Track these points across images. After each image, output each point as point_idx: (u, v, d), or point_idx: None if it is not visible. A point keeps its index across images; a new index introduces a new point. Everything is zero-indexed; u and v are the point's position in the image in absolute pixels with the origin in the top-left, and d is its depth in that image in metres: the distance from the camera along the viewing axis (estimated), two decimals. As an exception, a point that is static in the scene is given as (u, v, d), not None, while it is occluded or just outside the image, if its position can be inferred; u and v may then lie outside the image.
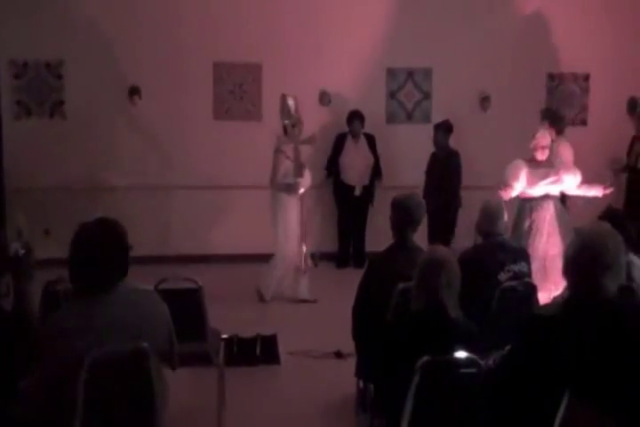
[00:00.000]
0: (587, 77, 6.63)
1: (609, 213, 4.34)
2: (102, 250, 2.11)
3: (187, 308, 3.02)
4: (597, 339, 1.92)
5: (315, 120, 6.30)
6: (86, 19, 5.90)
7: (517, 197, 4.89)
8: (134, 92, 6.06)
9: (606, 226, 2.12)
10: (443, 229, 5.85)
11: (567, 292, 2.06)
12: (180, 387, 2.82)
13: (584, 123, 6.68)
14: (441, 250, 2.59)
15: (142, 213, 5.98)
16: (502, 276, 3.31)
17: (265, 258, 6.10)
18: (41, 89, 5.98)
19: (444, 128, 5.86)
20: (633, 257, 3.29)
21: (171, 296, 2.48)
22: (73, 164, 5.98)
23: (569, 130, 6.51)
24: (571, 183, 4.78)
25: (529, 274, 3.52)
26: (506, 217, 3.59)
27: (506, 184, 4.72)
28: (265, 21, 6.11)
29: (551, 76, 6.59)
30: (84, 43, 5.91)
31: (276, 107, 6.10)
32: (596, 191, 4.98)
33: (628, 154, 6.04)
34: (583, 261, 1.97)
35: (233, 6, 6.10)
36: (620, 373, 1.89)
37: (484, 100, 6.46)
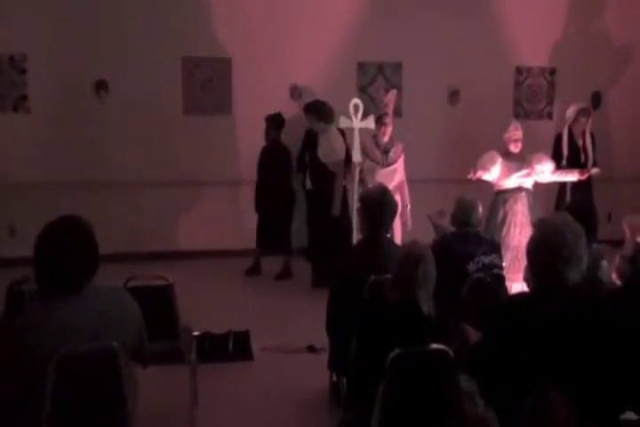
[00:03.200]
0: (553, 71, 6.74)
1: (574, 205, 4.44)
2: (70, 249, 2.07)
3: (158, 305, 2.99)
4: (561, 327, 1.97)
5: (285, 114, 6.30)
6: (51, 11, 5.76)
7: (491, 189, 4.98)
8: (101, 86, 5.95)
9: (566, 217, 2.16)
10: (277, 228, 5.64)
11: (531, 283, 2.10)
12: (153, 385, 2.80)
13: (550, 116, 6.80)
14: (419, 244, 2.60)
15: (110, 209, 5.89)
16: (471, 266, 3.35)
17: (236, 254, 6.09)
18: (4, 83, 5.83)
19: (277, 122, 5.71)
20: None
21: (141, 294, 2.45)
22: (37, 160, 5.85)
23: (536, 123, 6.65)
24: (545, 172, 4.88)
25: (500, 266, 3.57)
26: (480, 210, 3.64)
27: (481, 167, 4.79)
28: (234, 15, 6.05)
29: (519, 70, 6.68)
30: (49, 36, 5.78)
31: (247, 101, 6.10)
32: (572, 176, 5.10)
33: (572, 148, 5.57)
34: (543, 254, 2.01)
35: (201, -1, 6.04)
36: (584, 359, 1.93)
37: (454, 94, 6.51)
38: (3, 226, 5.80)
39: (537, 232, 2.11)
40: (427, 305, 2.48)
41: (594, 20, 6.67)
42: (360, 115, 5.15)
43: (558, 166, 5.29)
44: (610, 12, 6.69)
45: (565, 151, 5.54)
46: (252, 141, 5.89)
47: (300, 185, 5.82)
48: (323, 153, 5.29)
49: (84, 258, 2.10)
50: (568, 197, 5.46)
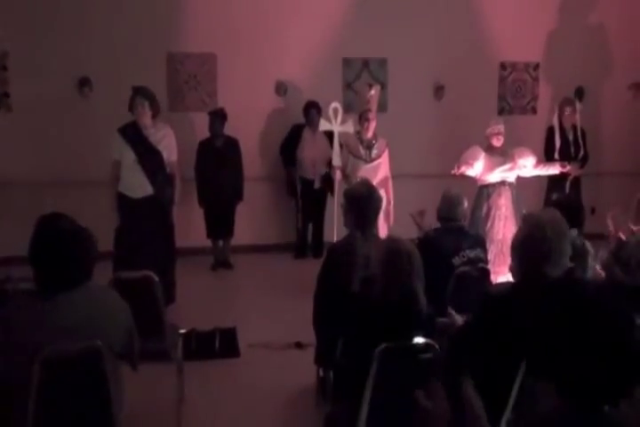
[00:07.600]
0: (537, 66, 6.78)
1: (563, 200, 4.47)
2: (74, 248, 2.06)
3: (143, 303, 2.96)
4: (543, 317, 1.98)
5: (271, 110, 6.29)
6: (32, 7, 5.69)
7: (476, 184, 5.01)
8: (84, 83, 5.89)
9: (551, 213, 2.18)
10: (223, 225, 5.77)
11: (514, 275, 2.13)
12: (139, 383, 2.78)
13: (534, 111, 6.84)
14: (404, 241, 2.60)
15: (91, 208, 5.81)
16: (457, 260, 3.37)
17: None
18: (-16, 81, 5.76)
19: (221, 115, 5.67)
20: (587, 244, 3.41)
21: (126, 292, 2.42)
22: (20, 158, 5.78)
23: (520, 118, 6.69)
24: (527, 166, 4.93)
25: (485, 260, 3.59)
26: (465, 204, 3.66)
27: (464, 162, 4.82)
28: (219, 10, 6.01)
29: (503, 66, 6.71)
30: (30, 33, 5.70)
31: (232, 97, 6.07)
32: (553, 169, 5.16)
33: (563, 141, 5.62)
34: (524, 249, 2.06)
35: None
36: (566, 348, 1.95)
37: (439, 90, 6.53)
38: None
39: (521, 227, 2.16)
40: (422, 298, 2.49)
41: (578, 15, 6.71)
42: (340, 119, 5.14)
43: (551, 159, 5.36)
44: (594, 7, 6.73)
45: (558, 143, 5.60)
46: (238, 137, 5.87)
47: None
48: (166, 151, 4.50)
49: (85, 258, 2.09)
50: (567, 191, 5.49)
